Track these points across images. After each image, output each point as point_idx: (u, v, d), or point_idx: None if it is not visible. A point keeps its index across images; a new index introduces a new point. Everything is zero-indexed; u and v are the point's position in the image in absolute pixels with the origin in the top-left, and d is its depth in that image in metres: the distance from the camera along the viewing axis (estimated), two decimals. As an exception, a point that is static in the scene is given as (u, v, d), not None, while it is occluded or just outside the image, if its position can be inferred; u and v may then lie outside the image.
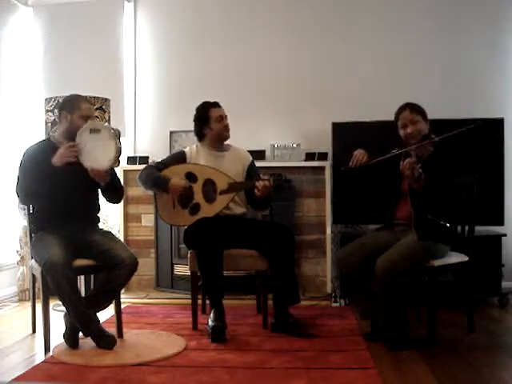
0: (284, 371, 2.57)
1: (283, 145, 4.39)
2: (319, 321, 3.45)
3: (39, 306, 3.01)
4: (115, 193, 3.19)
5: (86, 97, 3.17)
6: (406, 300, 2.93)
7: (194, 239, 3.22)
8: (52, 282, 2.78)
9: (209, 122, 3.43)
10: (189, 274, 3.44)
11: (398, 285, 2.86)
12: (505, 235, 3.90)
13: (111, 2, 4.69)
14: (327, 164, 4.25)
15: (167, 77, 4.71)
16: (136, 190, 4.47)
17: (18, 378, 2.49)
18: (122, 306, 3.19)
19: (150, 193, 3.56)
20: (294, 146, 4.38)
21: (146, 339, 3.08)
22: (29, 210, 3.14)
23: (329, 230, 4.27)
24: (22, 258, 4.20)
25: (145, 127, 4.74)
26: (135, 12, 4.73)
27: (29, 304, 3.41)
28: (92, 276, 3.25)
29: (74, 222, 3.05)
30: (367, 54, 4.50)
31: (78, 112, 3.02)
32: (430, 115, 3.10)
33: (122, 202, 4.39)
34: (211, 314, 3.15)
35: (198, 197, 3.35)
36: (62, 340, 2.95)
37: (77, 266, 2.91)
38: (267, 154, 4.39)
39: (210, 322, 3.11)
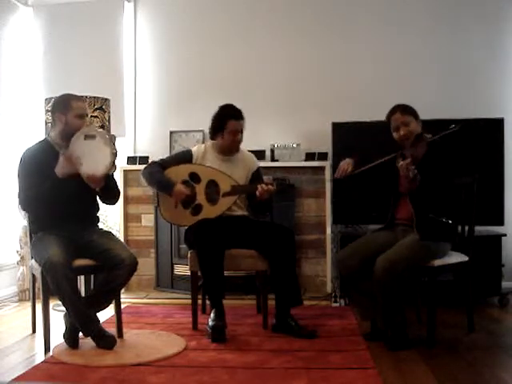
0: (284, 371, 2.57)
1: (283, 145, 4.39)
2: (319, 321, 3.45)
3: (39, 306, 3.01)
4: (111, 195, 3.17)
5: (76, 95, 3.11)
6: (405, 300, 2.93)
7: (195, 239, 3.22)
8: (52, 282, 2.78)
9: (223, 131, 3.36)
10: (189, 274, 3.44)
11: (397, 285, 2.86)
12: (505, 235, 3.90)
13: (111, 2, 4.69)
14: (327, 164, 4.25)
15: (167, 77, 4.71)
16: (136, 190, 4.47)
17: (17, 378, 2.49)
18: (122, 306, 3.19)
19: (151, 192, 3.55)
20: (294, 145, 4.38)
21: (146, 339, 3.08)
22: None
23: (329, 230, 4.27)
24: (22, 257, 4.20)
25: (145, 127, 4.74)
26: (135, 12, 4.73)
27: (29, 304, 3.41)
28: (92, 276, 3.25)
29: (74, 222, 3.04)
30: (367, 54, 4.50)
31: (72, 112, 2.99)
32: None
33: (122, 202, 4.42)
34: (211, 314, 3.15)
35: (201, 198, 3.35)
36: (62, 340, 2.95)
37: (77, 266, 2.91)
38: (267, 153, 4.39)
39: (210, 322, 3.11)
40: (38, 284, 3.06)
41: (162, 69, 4.73)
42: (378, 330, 3.03)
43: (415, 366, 2.63)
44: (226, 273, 3.21)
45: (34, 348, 3.02)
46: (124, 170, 4.46)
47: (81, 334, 2.89)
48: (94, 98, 3.91)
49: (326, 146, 4.27)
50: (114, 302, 3.05)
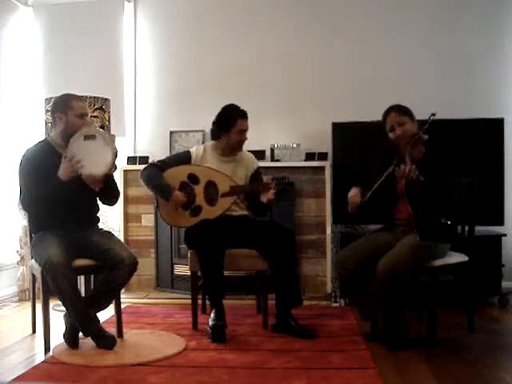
0: (284, 371, 2.57)
1: (283, 145, 4.39)
2: (319, 321, 3.45)
3: (39, 306, 3.01)
4: (110, 196, 3.17)
5: (76, 94, 3.10)
6: (405, 301, 2.93)
7: (195, 239, 3.22)
8: (52, 282, 2.78)
9: (230, 130, 3.35)
10: (189, 273, 3.44)
11: (399, 287, 2.86)
12: (505, 235, 3.90)
13: (111, 2, 4.69)
14: (327, 164, 4.25)
15: (167, 77, 4.71)
16: (136, 190, 4.47)
17: (18, 378, 2.49)
18: (122, 306, 3.19)
19: (151, 193, 3.55)
20: (294, 145, 4.38)
21: (145, 339, 3.08)
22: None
23: (329, 230, 4.27)
24: (22, 257, 4.20)
25: (145, 127, 4.74)
26: (135, 12, 4.73)
27: (29, 304, 3.41)
28: (92, 276, 3.25)
29: (74, 222, 3.04)
30: (367, 54, 4.50)
31: (72, 111, 2.99)
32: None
33: (122, 202, 4.42)
34: (211, 314, 3.15)
35: (200, 199, 3.35)
36: (62, 340, 2.95)
37: (77, 266, 2.91)
38: (267, 153, 4.39)
39: (210, 322, 3.11)
40: (38, 284, 3.06)
41: (161, 69, 4.73)
42: (378, 330, 3.03)
43: (415, 366, 2.63)
44: (226, 273, 3.21)
45: (34, 348, 3.02)
46: (124, 170, 4.46)
47: (81, 334, 2.89)
48: (94, 97, 3.91)
49: (326, 146, 4.27)
50: (114, 302, 3.05)
